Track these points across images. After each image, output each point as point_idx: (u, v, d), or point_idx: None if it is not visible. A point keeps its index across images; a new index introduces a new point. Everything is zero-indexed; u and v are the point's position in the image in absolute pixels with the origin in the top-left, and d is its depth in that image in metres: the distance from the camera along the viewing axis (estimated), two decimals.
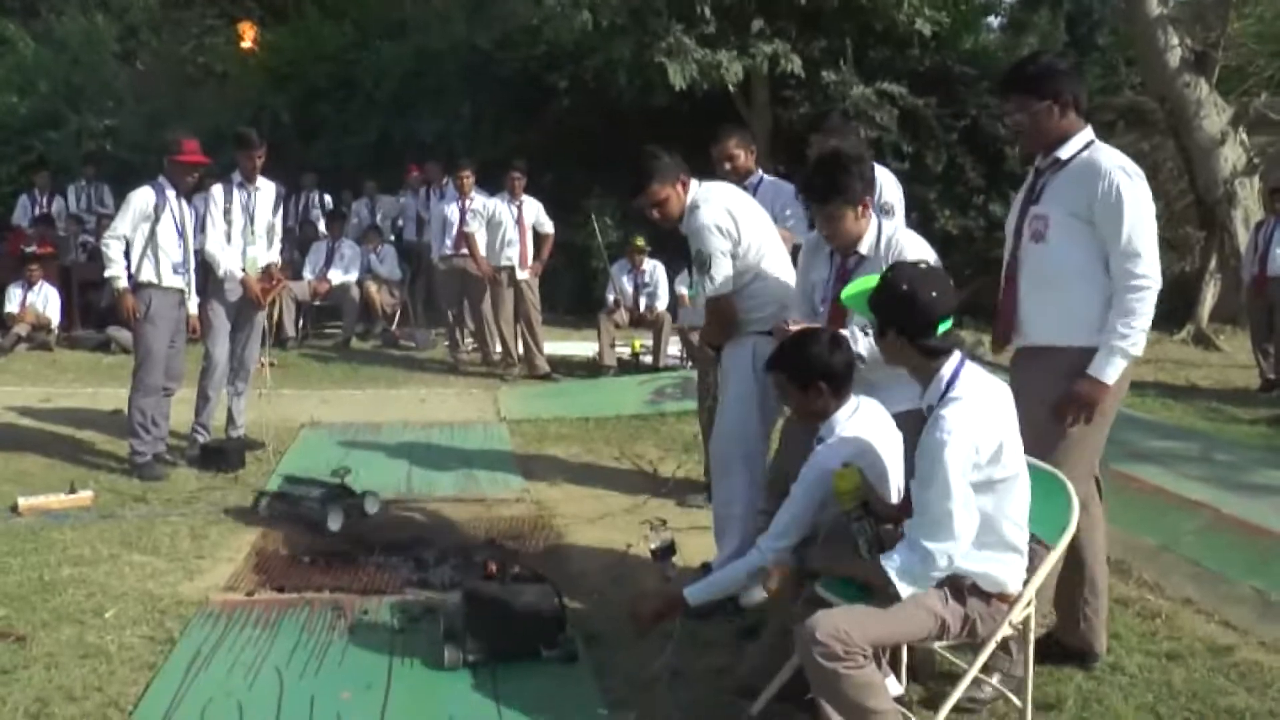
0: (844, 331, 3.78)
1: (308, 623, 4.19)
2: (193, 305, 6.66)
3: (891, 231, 3.95)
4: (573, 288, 13.53)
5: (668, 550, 3.82)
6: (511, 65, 14.44)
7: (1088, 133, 3.65)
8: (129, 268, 6.38)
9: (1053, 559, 3.16)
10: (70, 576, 4.61)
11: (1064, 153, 3.63)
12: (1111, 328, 3.50)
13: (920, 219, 13.14)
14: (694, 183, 4.38)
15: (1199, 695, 3.65)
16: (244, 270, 6.72)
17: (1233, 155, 12.73)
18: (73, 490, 5.75)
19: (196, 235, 6.64)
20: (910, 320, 2.98)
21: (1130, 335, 3.49)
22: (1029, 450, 3.27)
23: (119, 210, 6.49)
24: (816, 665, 2.90)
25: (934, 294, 2.98)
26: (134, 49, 18.39)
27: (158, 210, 6.36)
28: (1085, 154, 3.60)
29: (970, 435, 2.88)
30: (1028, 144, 3.80)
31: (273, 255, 7.01)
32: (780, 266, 4.41)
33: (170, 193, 6.44)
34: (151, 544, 5.08)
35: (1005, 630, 3.09)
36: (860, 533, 3.15)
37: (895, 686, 3.42)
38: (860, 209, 3.89)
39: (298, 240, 12.82)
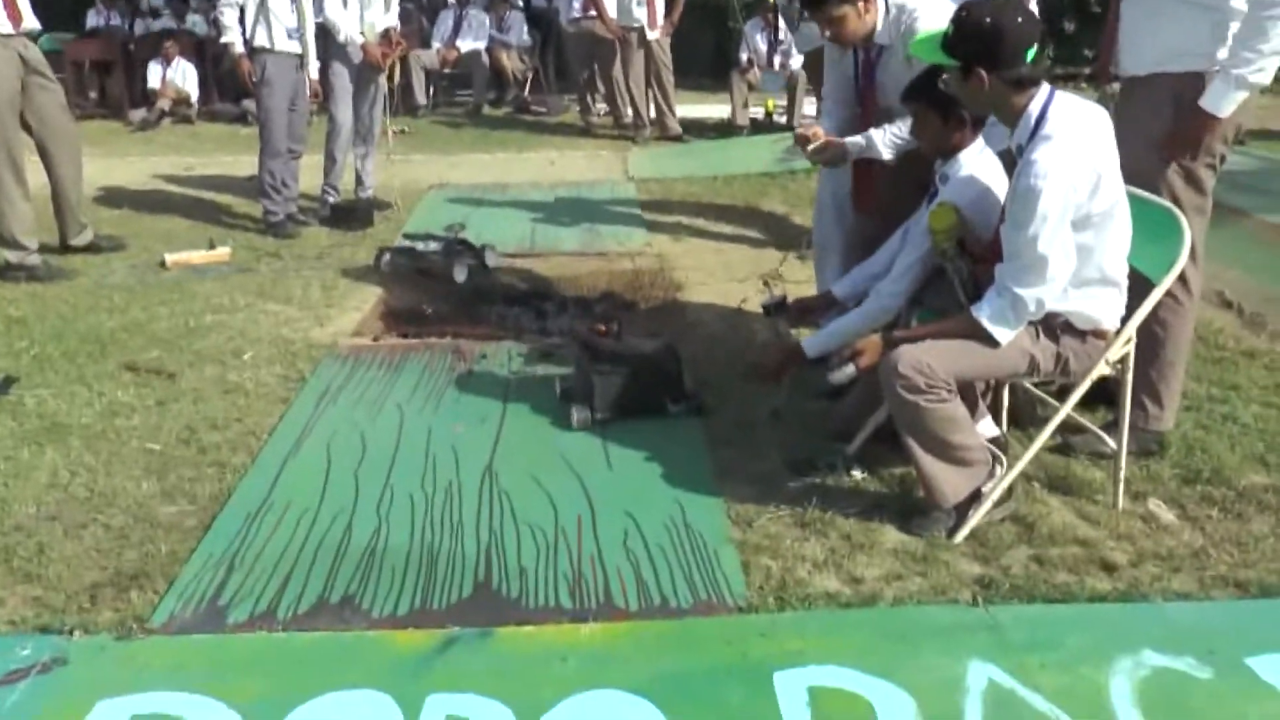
0: (868, 134, 3.74)
1: (429, 365, 4.46)
2: (313, 69, 6.79)
3: (900, 3, 3.68)
4: (708, 48, 13.25)
5: (780, 305, 3.88)
6: None
7: None
8: (244, 34, 6.54)
9: (1158, 294, 3.10)
10: (212, 323, 4.97)
11: None
12: (1235, 51, 3.18)
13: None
14: None
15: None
16: (362, 35, 6.80)
17: None
18: (212, 246, 6.13)
19: (316, 1, 6.72)
20: (998, 52, 2.86)
21: (1256, 60, 3.16)
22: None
23: None
24: (899, 398, 2.98)
25: (1018, 19, 2.88)
26: None
27: None
28: None
29: (1066, 176, 2.81)
30: None
31: (391, 19, 7.08)
32: None
33: None
34: (285, 294, 5.41)
35: (1102, 368, 3.10)
36: (956, 273, 3.16)
37: (991, 428, 3.49)
38: (863, 4, 3.65)
39: (426, 7, 12.81)
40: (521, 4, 12.92)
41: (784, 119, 10.26)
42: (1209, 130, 3.29)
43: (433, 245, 5.68)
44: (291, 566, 2.97)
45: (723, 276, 5.63)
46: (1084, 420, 3.45)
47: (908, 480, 3.37)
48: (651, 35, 10.04)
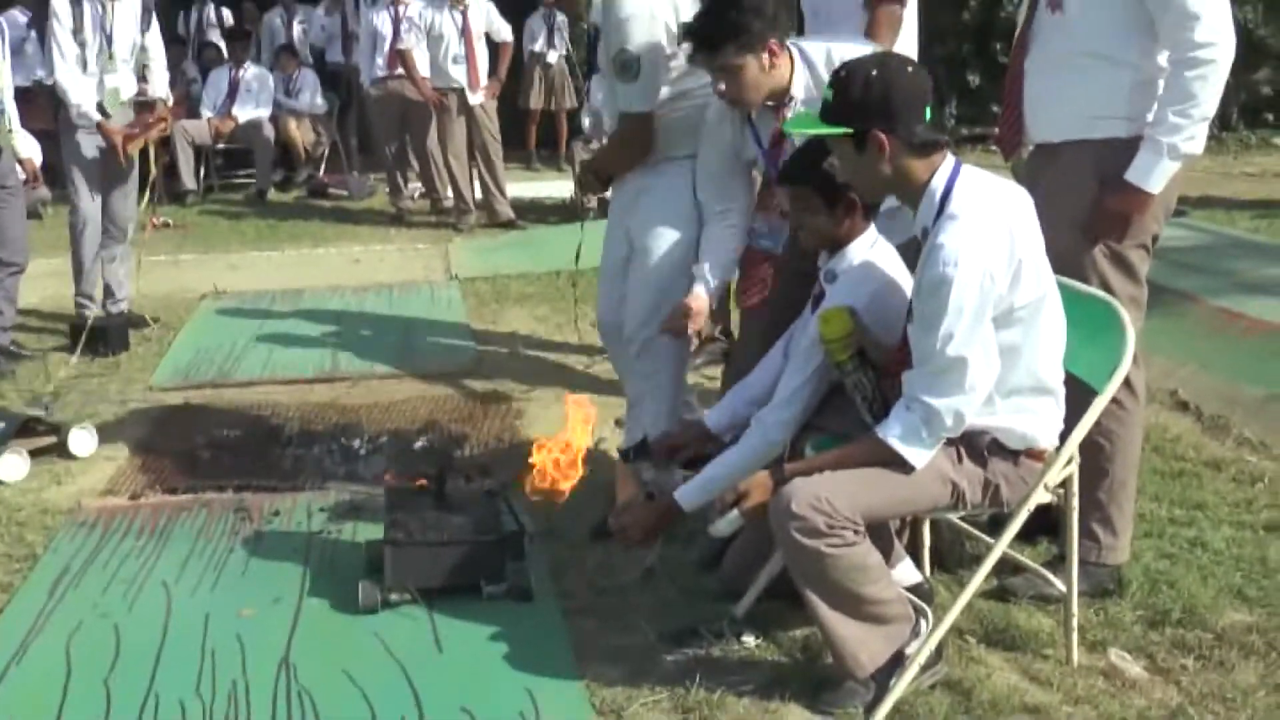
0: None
1: (205, 528, 4.31)
2: (24, 147, 6.58)
3: (824, 51, 3.74)
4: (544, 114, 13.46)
5: (641, 448, 3.86)
6: None
7: None
8: None
9: (1101, 403, 3.17)
10: None
11: None
12: (1161, 116, 3.30)
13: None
14: None
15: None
16: (101, 108, 6.64)
17: None
18: None
19: (46, 60, 6.55)
20: (893, 108, 2.91)
21: (1185, 126, 3.27)
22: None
23: None
24: (796, 545, 2.95)
25: (907, 68, 2.98)
26: None
27: None
28: None
29: (980, 262, 2.84)
30: None
31: (156, 87, 6.92)
32: None
33: None
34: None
35: (1041, 495, 3.14)
36: (858, 389, 3.18)
37: (911, 573, 3.50)
38: (765, 56, 3.65)
39: (200, 65, 12.75)
40: (312, 61, 12.94)
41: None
42: (1138, 207, 3.39)
43: None
44: None
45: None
46: (1023, 558, 3.49)
47: (813, 644, 3.36)
48: (474, 99, 10.16)
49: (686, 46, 3.83)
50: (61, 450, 5.06)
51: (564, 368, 6.24)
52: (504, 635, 3.52)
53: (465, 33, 10.05)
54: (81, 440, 5.14)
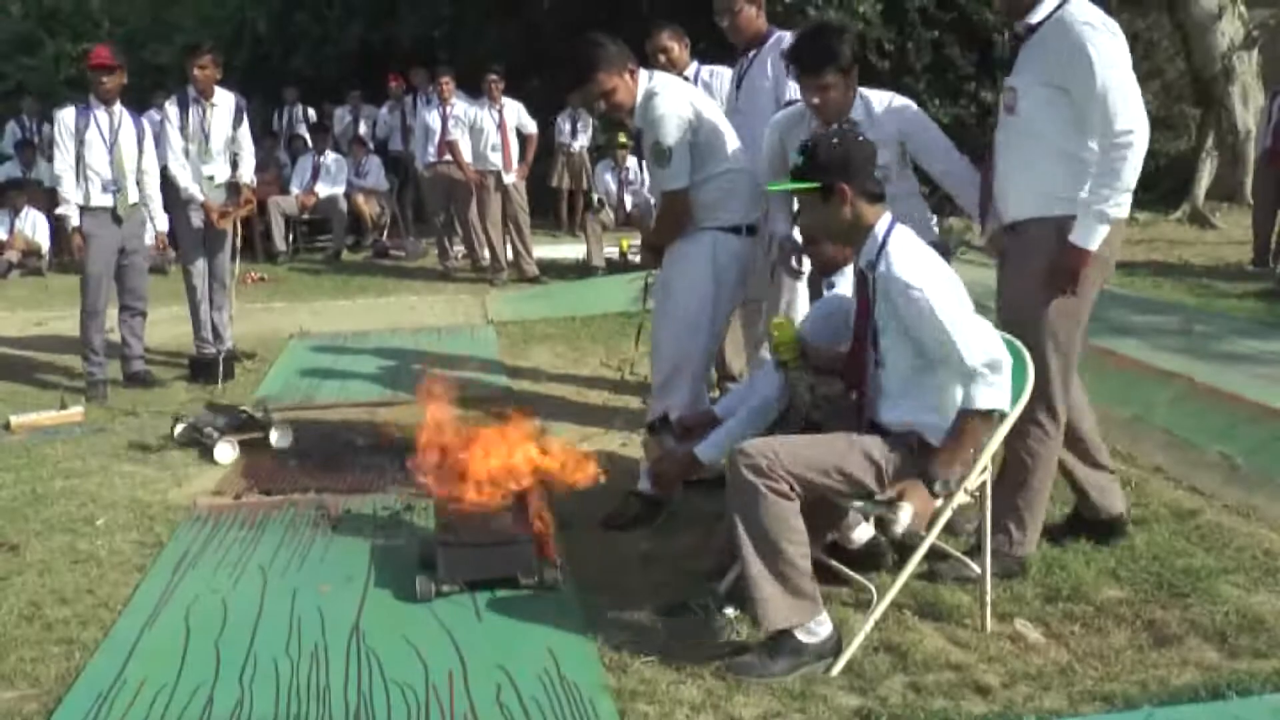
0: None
1: (292, 522, 4.30)
2: (160, 222, 6.64)
3: (887, 96, 4.00)
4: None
5: (664, 422, 3.87)
6: None
7: None
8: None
9: (1009, 424, 3.22)
10: (62, 488, 4.72)
11: (1035, 17, 3.45)
12: (1093, 189, 3.35)
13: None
14: (643, 72, 4.13)
15: (1159, 557, 3.75)
16: (202, 192, 6.68)
17: (1230, 29, 12.52)
18: (63, 406, 5.87)
19: (160, 150, 6.59)
20: (852, 166, 3.07)
21: (1112, 196, 3.32)
22: (1008, 328, 3.38)
23: (53, 141, 6.34)
24: (739, 479, 3.00)
25: (860, 139, 3.16)
26: None
27: (80, 129, 6.21)
28: (1055, 15, 3.41)
29: (932, 273, 3.02)
30: (1002, 8, 3.66)
31: (244, 174, 6.92)
32: (739, 158, 4.19)
33: (98, 110, 6.27)
34: (141, 455, 5.18)
35: (961, 497, 3.16)
36: (798, 381, 3.28)
37: (867, 532, 3.59)
38: (849, 80, 3.88)
39: (290, 153, 12.79)
40: (371, 147, 12.97)
41: (637, 258, 10.42)
42: (1081, 262, 3.39)
43: (222, 420, 5.30)
44: None
45: (585, 420, 5.61)
46: (948, 547, 3.52)
47: None
48: (508, 179, 10.18)
49: (793, 69, 4.02)
50: (265, 442, 5.19)
51: (579, 393, 6.23)
52: (531, 608, 3.52)
53: (501, 127, 10.10)
54: (280, 436, 5.24)
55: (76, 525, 4.31)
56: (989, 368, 2.98)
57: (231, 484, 4.78)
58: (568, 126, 12.97)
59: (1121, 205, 3.35)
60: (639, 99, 4.07)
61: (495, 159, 10.12)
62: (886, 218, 3.12)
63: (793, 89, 5.07)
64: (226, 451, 5.09)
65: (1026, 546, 3.67)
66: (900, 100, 4.08)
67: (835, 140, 3.12)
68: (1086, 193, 3.36)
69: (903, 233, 3.11)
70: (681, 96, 4.11)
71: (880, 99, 4.04)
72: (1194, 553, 3.79)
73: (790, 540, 3.01)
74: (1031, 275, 3.49)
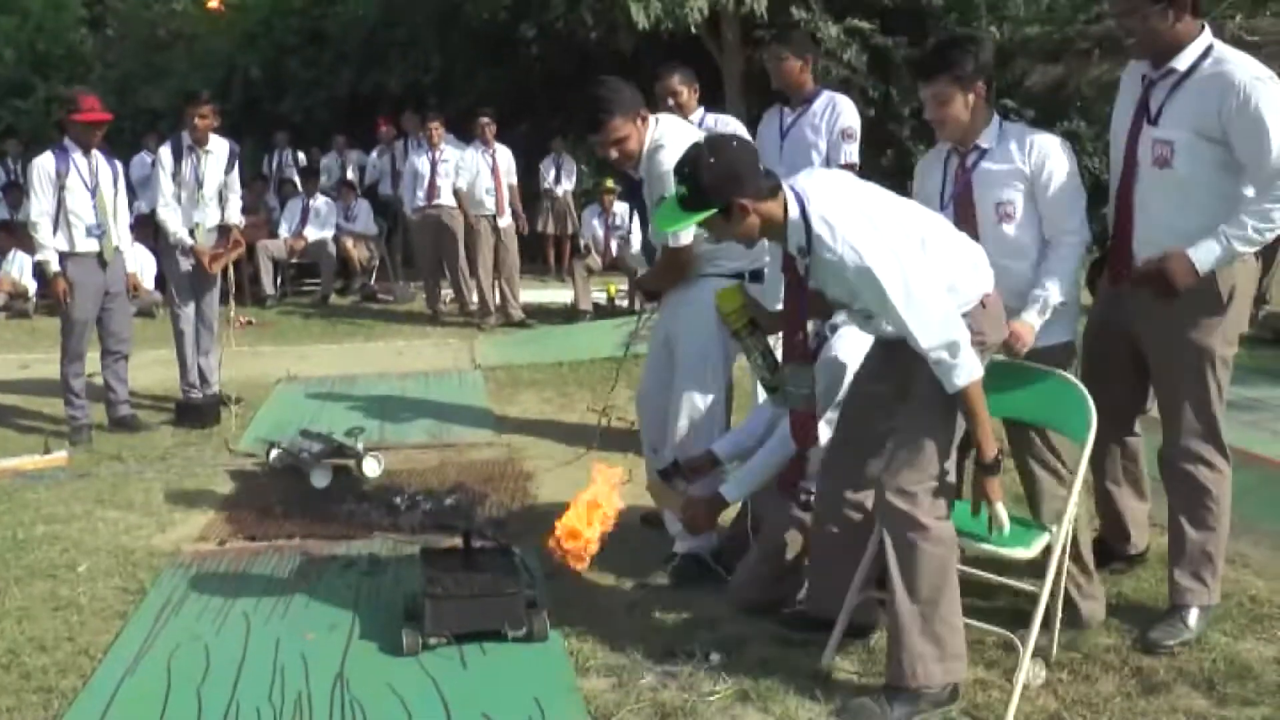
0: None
1: (277, 569, 4.27)
2: (131, 262, 6.58)
3: (1020, 130, 3.58)
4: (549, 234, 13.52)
5: (675, 467, 3.89)
6: (481, 14, 14.34)
7: (1206, 36, 3.33)
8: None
9: (1088, 452, 3.22)
10: (44, 534, 4.67)
11: (1181, 64, 3.32)
12: (1236, 220, 3.23)
13: (895, 155, 13.14)
14: (650, 118, 3.98)
15: (1147, 604, 3.74)
16: (193, 236, 6.68)
17: None
18: (47, 451, 5.82)
19: (149, 194, 6.58)
20: (742, 177, 2.94)
21: (1250, 235, 3.22)
22: (1161, 371, 3.47)
23: (28, 187, 6.21)
24: (894, 514, 2.99)
25: (733, 143, 3.07)
26: (101, 15, 18.25)
27: (61, 175, 6.13)
28: (1209, 64, 3.28)
29: (876, 247, 2.87)
30: (1142, 52, 3.44)
31: (232, 216, 6.91)
32: None
33: (76, 154, 6.20)
34: (125, 500, 5.13)
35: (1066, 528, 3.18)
36: (751, 349, 3.34)
37: None
38: (971, 96, 3.45)
39: (280, 197, 12.82)
40: (357, 191, 12.99)
41: (625, 303, 10.46)
42: (1183, 274, 3.27)
43: (316, 447, 5.41)
44: None
45: (572, 466, 5.58)
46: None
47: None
48: (502, 223, 10.24)
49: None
50: (358, 470, 5.34)
51: (565, 439, 6.18)
52: (517, 656, 3.49)
53: (494, 171, 10.13)
54: (371, 465, 5.37)
55: (58, 571, 4.26)
56: (947, 351, 2.89)
57: (216, 530, 4.74)
58: (552, 172, 13.04)
59: (1252, 244, 3.27)
60: (649, 146, 3.92)
61: (489, 203, 10.15)
62: (793, 199, 2.97)
63: (845, 152, 5.29)
64: (322, 476, 5.19)
65: (1214, 595, 3.56)
66: (1047, 141, 3.52)
67: (711, 159, 2.94)
68: (1228, 222, 3.25)
69: (820, 200, 2.95)
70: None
71: (1022, 132, 3.58)
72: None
73: (948, 595, 2.99)
74: (1190, 318, 3.39)
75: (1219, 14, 13.44)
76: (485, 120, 10.18)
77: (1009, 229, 3.48)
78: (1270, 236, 3.27)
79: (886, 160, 12.86)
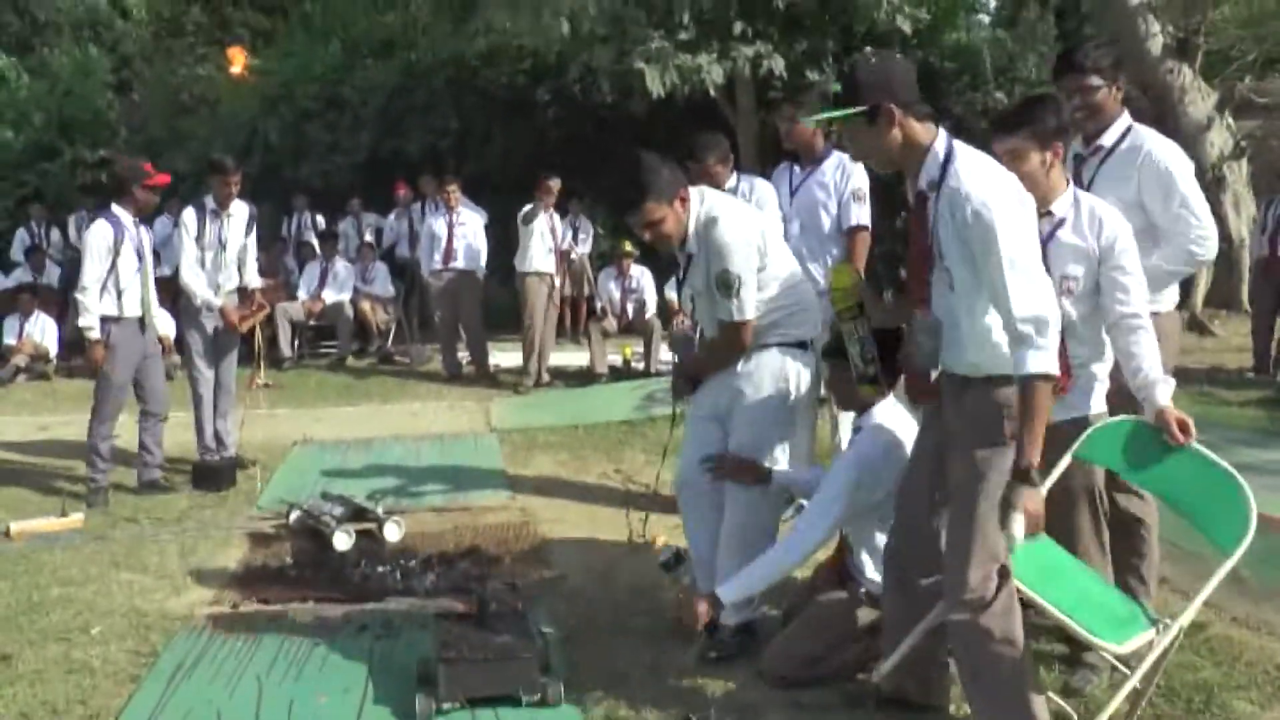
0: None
1: (290, 632, 4.25)
2: (163, 325, 6.66)
3: (1092, 202, 3.45)
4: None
5: (677, 558, 3.88)
6: (497, 78, 14.57)
7: (1126, 118, 3.79)
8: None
9: (1227, 567, 3.11)
10: (58, 596, 4.68)
11: (1108, 140, 3.76)
12: (1167, 256, 3.69)
13: (908, 218, 13.19)
14: (694, 193, 3.86)
15: (1169, 671, 3.66)
16: (219, 297, 6.76)
17: (1219, 140, 12.76)
18: (63, 513, 5.84)
19: (171, 257, 6.67)
20: (896, 85, 2.85)
21: (1179, 265, 3.74)
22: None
23: (85, 255, 6.28)
24: (961, 627, 2.92)
25: (899, 56, 3.03)
26: (128, 79, 18.56)
27: (118, 244, 6.25)
28: (1129, 140, 3.74)
29: (1005, 196, 2.78)
30: (1083, 132, 3.80)
31: (250, 278, 7.02)
32: (797, 272, 4.00)
33: (128, 221, 6.34)
34: (140, 563, 5.14)
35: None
36: (851, 335, 3.25)
37: None
38: (1049, 155, 3.35)
39: (298, 259, 12.94)
40: (384, 255, 13.11)
41: (641, 365, 10.48)
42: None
43: (338, 510, 5.44)
44: None
45: (587, 529, 5.57)
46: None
47: None
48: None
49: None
50: (379, 533, 5.38)
51: (581, 503, 6.19)
52: (531, 717, 3.49)
53: (552, 231, 10.35)
54: (392, 530, 5.41)
55: (71, 634, 4.26)
56: (1034, 326, 2.75)
57: (230, 593, 4.73)
58: (569, 234, 13.13)
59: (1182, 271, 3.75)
60: (700, 221, 3.81)
61: (550, 263, 10.30)
62: (944, 136, 2.88)
63: (856, 213, 5.31)
64: (344, 540, 5.21)
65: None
66: (1119, 218, 3.44)
67: (874, 59, 2.90)
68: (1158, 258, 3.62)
69: (969, 150, 2.85)
70: (748, 221, 3.87)
71: (1098, 203, 3.47)
72: (1204, 666, 3.75)
73: (1032, 697, 2.95)
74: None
75: (1226, 77, 13.58)
76: (552, 183, 10.18)
77: (1067, 303, 3.37)
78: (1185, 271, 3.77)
79: (900, 223, 12.90)
